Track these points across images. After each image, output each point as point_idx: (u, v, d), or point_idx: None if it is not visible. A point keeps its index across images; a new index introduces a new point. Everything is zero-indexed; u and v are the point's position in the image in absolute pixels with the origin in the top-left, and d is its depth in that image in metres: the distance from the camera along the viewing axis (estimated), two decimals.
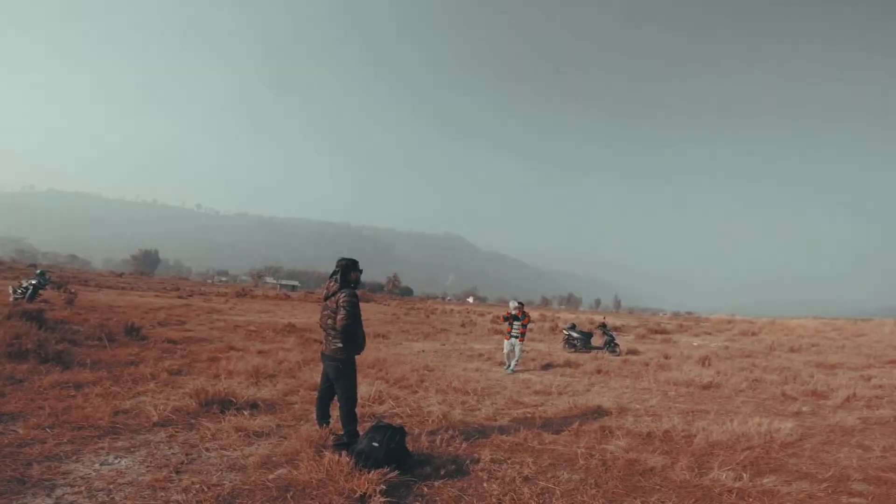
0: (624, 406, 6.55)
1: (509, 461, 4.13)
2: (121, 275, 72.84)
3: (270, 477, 3.60)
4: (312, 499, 3.28)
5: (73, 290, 17.36)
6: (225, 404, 5.37)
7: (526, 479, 3.77)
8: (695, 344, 17.44)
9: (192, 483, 3.42)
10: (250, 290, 53.02)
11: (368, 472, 3.44)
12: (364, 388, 6.36)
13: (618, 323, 31.04)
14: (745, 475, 3.83)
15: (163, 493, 3.28)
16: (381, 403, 5.98)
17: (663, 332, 24.85)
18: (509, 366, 9.80)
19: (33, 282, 15.72)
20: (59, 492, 3.20)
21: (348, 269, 4.47)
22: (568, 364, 10.77)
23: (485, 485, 3.61)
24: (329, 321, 4.33)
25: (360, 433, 4.25)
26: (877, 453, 4.50)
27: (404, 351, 11.83)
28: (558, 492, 3.53)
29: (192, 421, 4.89)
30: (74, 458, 3.78)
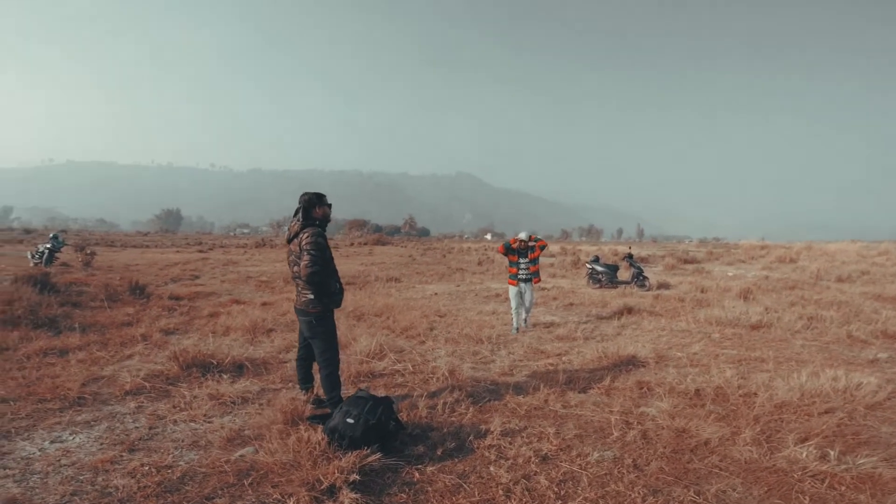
0: (662, 354, 5.71)
1: (525, 433, 3.38)
2: (146, 234, 74.57)
3: (233, 458, 2.97)
4: (274, 487, 2.62)
5: (90, 252, 17.20)
6: (207, 367, 4.79)
7: (544, 459, 3.00)
8: (730, 274, 16.29)
9: (142, 465, 2.86)
10: (270, 240, 53.46)
11: (343, 455, 2.75)
12: (364, 342, 5.71)
13: (643, 253, 29.81)
14: (831, 452, 2.99)
15: (103, 477, 2.73)
16: (381, 359, 5.31)
17: (693, 261, 23.62)
18: (518, 324, 7.18)
19: (48, 245, 15.67)
20: None
21: (312, 204, 3.60)
22: (594, 303, 9.93)
23: (491, 468, 2.87)
24: (296, 268, 3.55)
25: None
26: None
27: (416, 295, 11.19)
28: (585, 478, 2.77)
29: (170, 387, 4.32)
30: (26, 434, 3.31)
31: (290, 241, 3.64)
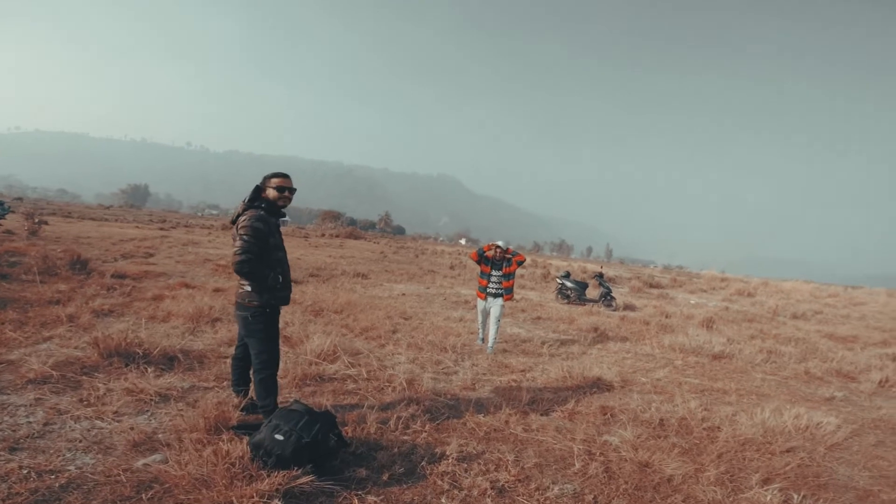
0: (627, 377, 5.55)
1: (483, 458, 3.07)
2: (108, 207, 70.74)
3: (135, 466, 2.54)
4: None
5: (38, 220, 15.83)
6: (131, 357, 4.27)
7: (501, 491, 2.71)
8: (692, 302, 16.62)
9: (20, 467, 2.42)
10: None
11: (268, 475, 2.38)
12: (317, 340, 5.29)
13: (611, 273, 30.32)
14: (795, 497, 2.84)
15: None
16: (333, 361, 4.91)
17: (658, 286, 24.11)
18: (484, 335, 6.53)
19: None
20: None
21: (264, 185, 3.18)
22: (561, 318, 9.80)
23: (443, 500, 2.56)
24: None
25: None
26: None
27: (383, 294, 10.78)
28: None
29: (83, 378, 3.80)
30: None
31: (233, 223, 3.21)
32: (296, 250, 22.15)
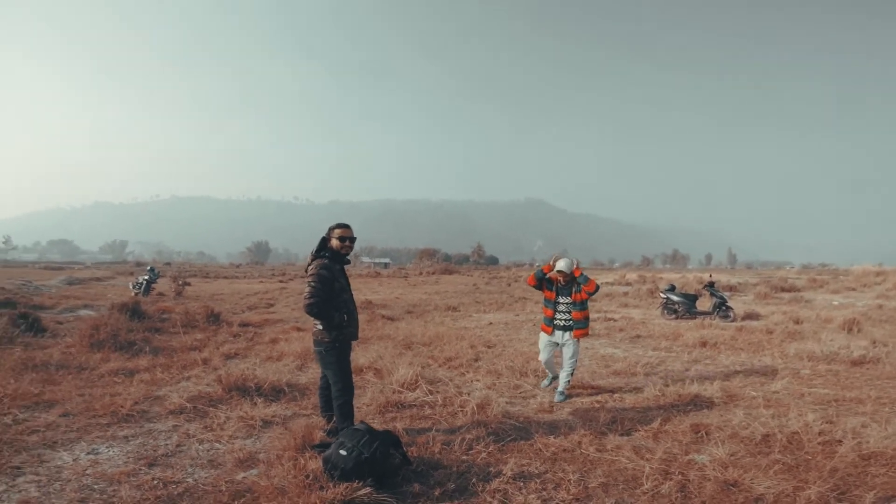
0: (733, 392, 4.98)
1: (542, 478, 3.04)
2: (238, 266, 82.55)
3: (237, 479, 3.05)
4: None
5: (182, 282, 19.14)
6: (247, 390, 5.00)
7: None
8: (835, 303, 14.13)
9: (153, 479, 3.05)
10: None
11: (334, 486, 2.68)
12: (402, 371, 5.64)
13: (733, 281, 26.99)
14: None
15: (114, 488, 2.95)
16: (413, 389, 5.20)
17: (791, 289, 20.86)
18: (554, 386, 5.38)
19: (146, 277, 17.65)
20: (20, 479, 3.05)
21: (328, 236, 3.67)
22: (664, 335, 9.06)
23: None
24: None
25: None
26: None
27: (471, 324, 10.98)
28: None
29: (210, 409, 4.57)
30: (69, 445, 3.67)
31: (306, 272, 3.73)
32: (396, 290, 23.53)
